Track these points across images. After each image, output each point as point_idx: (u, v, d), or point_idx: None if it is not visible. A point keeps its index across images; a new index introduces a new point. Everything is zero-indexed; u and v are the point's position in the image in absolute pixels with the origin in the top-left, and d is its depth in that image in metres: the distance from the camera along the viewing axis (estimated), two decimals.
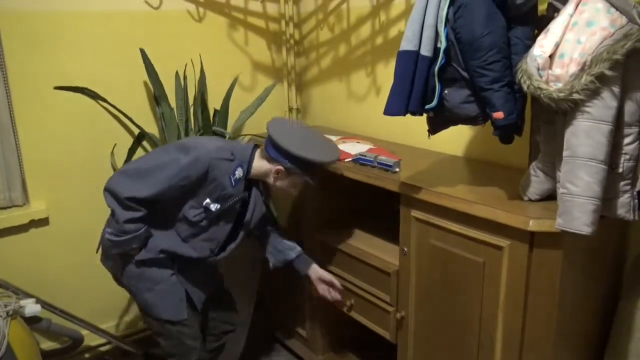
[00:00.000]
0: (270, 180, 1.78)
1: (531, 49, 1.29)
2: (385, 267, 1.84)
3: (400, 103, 1.42)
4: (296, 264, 1.97)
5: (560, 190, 1.29)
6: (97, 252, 1.81)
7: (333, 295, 1.97)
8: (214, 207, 1.72)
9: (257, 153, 1.79)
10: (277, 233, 2.01)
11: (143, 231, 1.69)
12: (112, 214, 1.68)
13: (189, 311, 1.83)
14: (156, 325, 1.83)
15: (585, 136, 1.22)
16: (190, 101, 2.42)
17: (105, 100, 2.27)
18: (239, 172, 1.73)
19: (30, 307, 2.07)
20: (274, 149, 1.72)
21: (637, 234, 1.65)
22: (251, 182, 1.82)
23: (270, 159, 1.74)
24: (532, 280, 1.41)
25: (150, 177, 1.64)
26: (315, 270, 1.96)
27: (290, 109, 2.86)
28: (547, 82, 1.26)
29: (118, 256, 1.77)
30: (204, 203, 1.71)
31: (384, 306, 1.87)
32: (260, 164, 1.78)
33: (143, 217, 1.68)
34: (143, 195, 1.63)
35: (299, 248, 1.99)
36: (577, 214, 1.23)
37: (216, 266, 1.98)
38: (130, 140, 2.38)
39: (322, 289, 1.97)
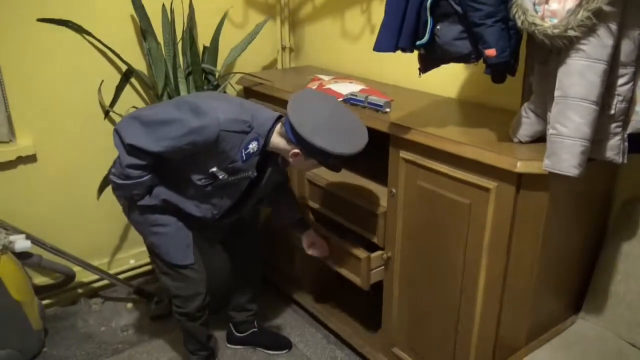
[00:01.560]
0: (288, 158, 1.66)
1: None
2: (374, 208, 1.83)
3: (390, 39, 1.36)
4: (294, 227, 2.01)
5: (549, 132, 1.26)
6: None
7: (322, 253, 2.00)
8: (221, 175, 1.63)
9: (277, 128, 1.64)
10: (287, 200, 2.00)
11: (147, 179, 1.64)
12: (119, 156, 1.65)
13: (197, 256, 1.83)
14: (163, 267, 1.82)
15: (579, 76, 1.18)
16: (179, 37, 2.34)
17: (90, 34, 2.20)
18: (253, 146, 1.62)
19: (21, 243, 2.09)
20: (292, 133, 1.56)
21: (625, 178, 1.64)
22: (268, 153, 1.70)
23: (288, 140, 1.60)
24: (517, 223, 1.41)
25: (157, 131, 1.57)
26: (308, 235, 1.98)
27: (283, 48, 2.79)
28: (542, 18, 1.21)
29: (123, 197, 1.75)
30: (211, 170, 1.63)
31: None
32: (278, 141, 1.64)
33: (147, 166, 1.62)
34: (145, 147, 1.57)
35: (299, 216, 2.00)
36: (565, 155, 1.21)
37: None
38: (117, 77, 2.32)
39: (313, 252, 2.00)
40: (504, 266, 1.47)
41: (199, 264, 1.83)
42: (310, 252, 2.01)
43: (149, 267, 2.74)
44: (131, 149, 1.59)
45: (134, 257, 2.69)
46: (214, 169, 1.62)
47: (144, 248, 2.69)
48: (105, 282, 2.57)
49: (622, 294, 1.57)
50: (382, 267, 1.88)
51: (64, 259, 2.34)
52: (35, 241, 2.21)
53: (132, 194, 1.68)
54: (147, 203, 1.70)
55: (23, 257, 2.18)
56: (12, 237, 2.08)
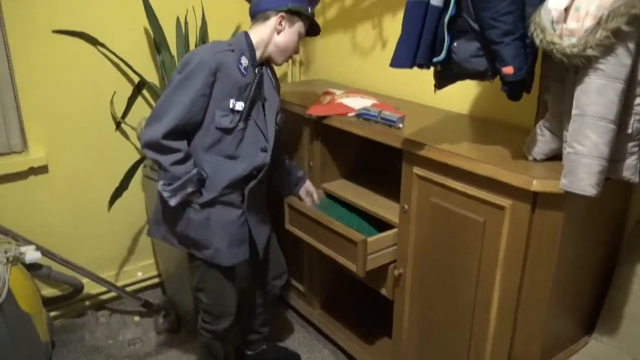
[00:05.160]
0: (277, 38, 1.75)
1: (546, 1, 1.23)
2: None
3: (407, 55, 1.36)
4: (297, 184, 2.06)
5: (566, 150, 1.26)
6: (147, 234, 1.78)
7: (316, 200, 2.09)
8: (239, 105, 1.70)
9: (251, 33, 1.75)
10: (287, 158, 2.08)
11: (195, 172, 1.65)
12: (158, 165, 1.65)
13: (243, 263, 1.85)
14: (204, 278, 1.82)
15: (597, 94, 1.18)
16: (192, 48, 2.36)
17: (103, 46, 2.22)
18: (244, 61, 1.71)
19: (31, 254, 2.08)
20: (265, 2, 1.71)
21: (639, 198, 1.63)
22: (259, 68, 1.78)
23: (266, 17, 1.73)
24: (532, 241, 1.40)
25: (171, 104, 1.61)
26: (307, 184, 2.08)
27: (294, 61, 2.80)
28: (560, 37, 1.21)
29: (179, 207, 1.70)
30: (230, 106, 1.68)
31: None
32: (260, 35, 1.74)
33: (187, 157, 1.65)
34: (174, 123, 1.60)
35: (301, 171, 2.08)
36: (582, 174, 1.21)
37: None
38: (130, 89, 2.34)
39: (308, 199, 2.08)
40: (518, 284, 1.45)
41: (236, 277, 1.86)
42: (307, 200, 2.08)
43: (156, 280, 2.74)
44: (165, 142, 1.60)
45: (142, 269, 2.69)
46: (232, 101, 1.68)
47: (152, 260, 2.72)
48: (112, 294, 2.56)
49: (636, 314, 1.55)
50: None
51: (73, 270, 2.33)
52: (45, 252, 2.21)
53: (187, 193, 1.66)
54: (207, 198, 1.71)
55: (33, 268, 2.17)
56: (22, 249, 2.08)
